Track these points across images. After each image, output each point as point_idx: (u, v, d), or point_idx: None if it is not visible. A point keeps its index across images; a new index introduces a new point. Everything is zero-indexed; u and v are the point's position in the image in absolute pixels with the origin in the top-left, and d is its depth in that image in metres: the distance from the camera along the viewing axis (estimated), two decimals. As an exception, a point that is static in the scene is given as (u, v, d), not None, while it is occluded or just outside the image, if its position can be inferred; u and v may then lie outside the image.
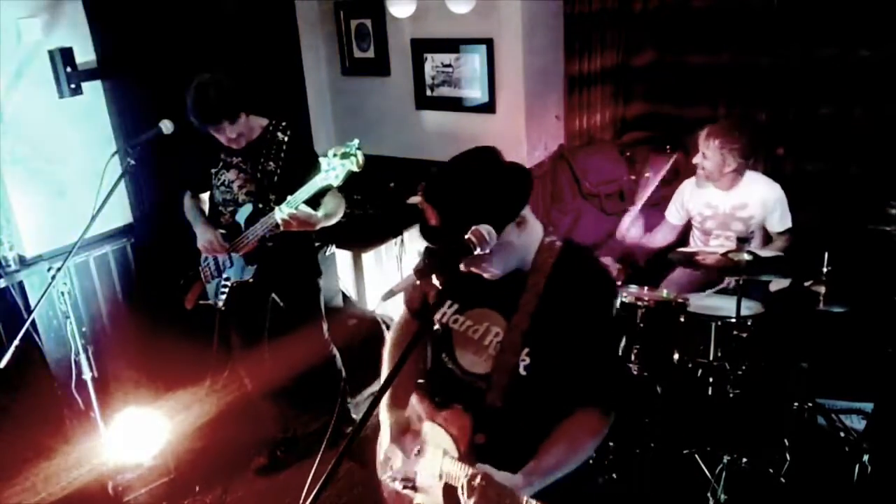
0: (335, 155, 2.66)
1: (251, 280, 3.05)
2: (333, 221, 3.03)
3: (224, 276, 3.11)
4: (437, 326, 1.87)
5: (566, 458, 1.65)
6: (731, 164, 3.26)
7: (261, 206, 2.96)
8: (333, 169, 2.67)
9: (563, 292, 1.68)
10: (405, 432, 1.84)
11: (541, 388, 1.69)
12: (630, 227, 3.70)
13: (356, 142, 2.68)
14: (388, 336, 2.09)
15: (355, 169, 2.67)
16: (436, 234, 1.64)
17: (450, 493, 1.65)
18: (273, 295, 3.24)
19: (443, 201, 1.64)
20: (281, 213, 2.77)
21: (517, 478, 1.57)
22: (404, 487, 1.79)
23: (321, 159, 2.69)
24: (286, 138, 2.99)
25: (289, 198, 2.77)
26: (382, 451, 1.88)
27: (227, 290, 3.10)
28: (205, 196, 3.22)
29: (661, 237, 3.69)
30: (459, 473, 1.62)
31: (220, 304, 3.12)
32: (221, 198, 3.07)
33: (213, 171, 3.07)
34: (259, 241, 2.97)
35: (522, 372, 1.69)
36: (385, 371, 2.02)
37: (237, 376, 3.45)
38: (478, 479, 1.53)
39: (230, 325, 3.23)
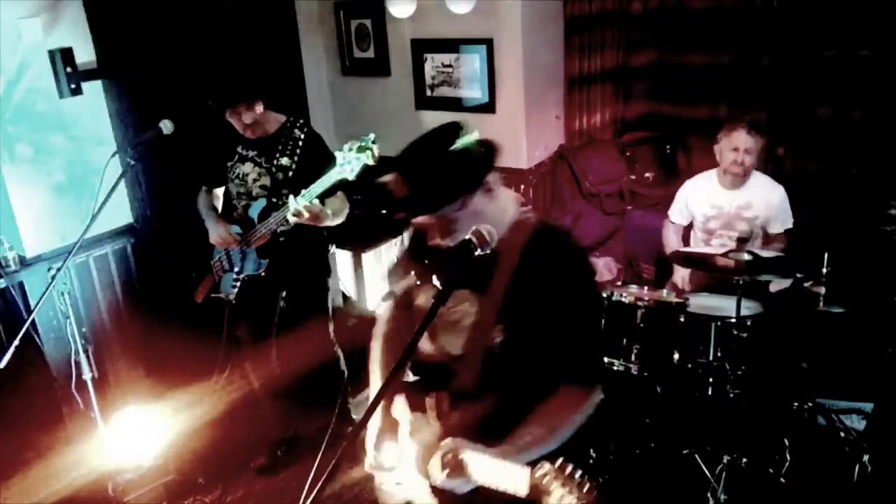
0: (350, 149, 2.69)
1: (263, 274, 3.07)
2: (338, 221, 3.05)
3: (236, 269, 3.13)
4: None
5: (544, 434, 1.61)
6: (753, 155, 3.29)
7: (274, 200, 2.99)
8: (349, 163, 2.69)
9: (536, 268, 1.68)
10: (392, 430, 1.82)
11: (515, 365, 1.68)
12: (672, 236, 3.69)
13: (372, 135, 2.71)
14: (375, 330, 2.05)
15: (371, 162, 2.69)
16: (406, 205, 1.67)
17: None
18: (283, 291, 3.25)
19: (410, 170, 1.66)
20: (295, 204, 2.79)
21: (489, 453, 1.54)
22: (396, 483, 1.79)
23: (336, 153, 2.72)
24: (302, 135, 3.04)
25: (303, 191, 2.79)
26: (371, 455, 1.85)
27: (238, 283, 3.12)
28: (219, 192, 3.23)
29: (676, 240, 3.68)
30: (437, 453, 1.60)
31: (232, 297, 3.13)
32: (235, 191, 3.11)
33: (228, 164, 3.11)
34: (272, 235, 2.99)
35: (497, 349, 1.69)
36: (374, 367, 1.98)
37: (240, 373, 3.45)
38: (448, 455, 1.54)
39: (239, 319, 3.25)
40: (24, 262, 3.38)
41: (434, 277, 1.62)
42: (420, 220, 1.69)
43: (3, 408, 3.35)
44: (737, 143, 3.28)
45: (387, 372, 1.92)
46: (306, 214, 2.79)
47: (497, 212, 1.71)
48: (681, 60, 4.00)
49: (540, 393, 1.66)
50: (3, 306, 3.39)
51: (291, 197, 2.80)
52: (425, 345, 1.83)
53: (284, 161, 3.00)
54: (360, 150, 2.67)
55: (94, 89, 3.59)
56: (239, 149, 3.08)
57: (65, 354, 3.16)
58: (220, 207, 3.22)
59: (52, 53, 3.35)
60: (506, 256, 1.70)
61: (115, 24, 3.59)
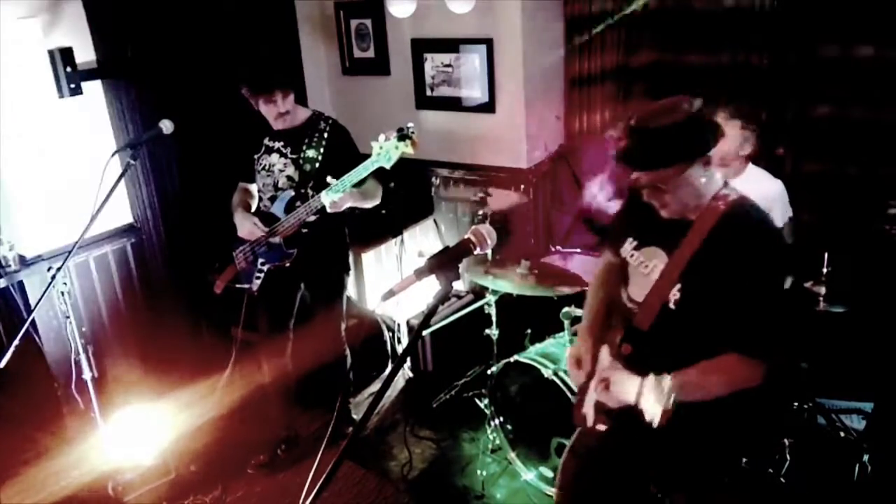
0: (388, 138, 2.72)
1: (288, 265, 3.10)
2: (371, 205, 3.12)
3: (261, 261, 3.15)
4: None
5: (695, 384, 1.76)
6: (747, 149, 3.24)
7: (303, 191, 3.03)
8: (387, 152, 2.73)
9: (725, 239, 1.81)
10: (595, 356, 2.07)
11: (686, 323, 1.84)
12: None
13: (412, 124, 2.74)
14: (593, 278, 2.30)
15: (411, 151, 2.74)
16: (634, 159, 1.81)
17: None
18: (302, 284, 3.28)
19: (645, 132, 1.78)
20: (329, 197, 2.82)
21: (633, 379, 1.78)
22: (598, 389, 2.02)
23: (372, 143, 2.75)
24: (328, 128, 3.08)
25: (337, 181, 2.81)
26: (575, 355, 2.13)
27: (262, 275, 3.14)
28: (254, 189, 3.26)
29: None
30: (601, 374, 1.91)
31: (255, 288, 3.16)
32: (262, 182, 3.14)
33: (255, 156, 3.13)
34: (299, 226, 3.03)
35: (672, 306, 1.86)
36: (588, 301, 2.26)
37: (248, 369, 3.46)
38: (608, 373, 1.86)
39: (260, 309, 3.26)
40: (24, 262, 3.38)
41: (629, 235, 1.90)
42: (637, 175, 1.82)
43: (3, 408, 3.36)
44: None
45: (591, 315, 2.20)
46: (340, 205, 2.86)
47: (705, 184, 1.84)
48: (681, 60, 3.99)
49: (703, 353, 1.80)
50: (3, 306, 3.39)
51: (325, 191, 2.83)
52: (621, 289, 2.06)
53: (311, 153, 3.04)
54: (400, 138, 2.71)
55: (94, 89, 3.59)
56: (266, 140, 3.11)
57: (65, 354, 3.16)
58: (254, 205, 3.24)
59: (52, 53, 3.35)
60: (700, 224, 1.84)
61: (115, 24, 3.59)
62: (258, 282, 3.16)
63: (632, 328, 1.95)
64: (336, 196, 2.82)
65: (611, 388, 1.84)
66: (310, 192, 3.01)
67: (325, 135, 3.06)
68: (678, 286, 1.84)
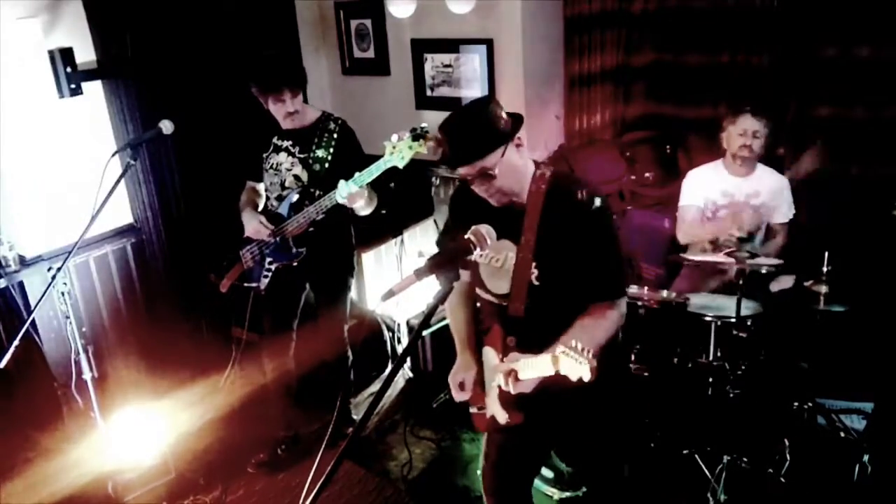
0: (401, 138, 2.72)
1: (296, 264, 3.11)
2: (368, 211, 3.10)
3: (268, 259, 3.15)
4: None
5: (586, 339, 1.82)
6: (757, 148, 3.30)
7: (311, 190, 3.03)
8: (400, 151, 2.72)
9: (558, 210, 2.00)
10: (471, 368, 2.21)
11: (552, 293, 2.02)
12: (689, 217, 3.58)
13: (425, 124, 2.73)
14: (447, 304, 2.36)
15: (424, 150, 2.73)
16: (452, 159, 1.97)
17: (502, 395, 2.03)
18: (307, 284, 3.29)
19: (454, 128, 1.97)
20: (347, 189, 2.82)
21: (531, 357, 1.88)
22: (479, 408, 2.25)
23: (385, 143, 2.75)
24: (337, 128, 3.08)
25: (355, 175, 2.82)
26: (457, 378, 2.20)
27: (270, 273, 3.15)
28: (262, 189, 3.25)
29: (696, 218, 3.56)
30: (499, 371, 1.98)
31: (263, 287, 3.17)
32: (269, 181, 3.14)
33: (264, 154, 3.13)
34: (308, 225, 3.03)
35: (535, 282, 2.02)
36: (453, 325, 2.33)
37: (249, 368, 3.46)
38: (506, 369, 1.92)
39: (264, 309, 3.27)
40: (24, 262, 3.38)
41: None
42: (464, 171, 1.96)
43: (3, 408, 3.35)
44: (744, 126, 3.30)
45: (462, 335, 2.28)
46: (363, 196, 2.87)
47: (524, 165, 2.04)
48: (681, 60, 3.99)
49: (574, 312, 2.00)
50: (3, 306, 3.39)
51: (342, 182, 2.83)
52: (480, 292, 2.19)
53: (320, 153, 3.04)
54: (414, 138, 2.71)
55: (94, 89, 3.59)
56: (275, 139, 3.11)
57: (65, 354, 3.16)
58: (261, 204, 3.24)
59: (52, 53, 3.35)
60: (532, 205, 2.02)
61: (115, 24, 3.59)
62: (266, 280, 3.16)
63: (509, 319, 2.08)
64: (353, 188, 2.81)
65: (521, 376, 1.91)
66: (317, 191, 3.01)
67: (336, 135, 3.07)
68: (534, 264, 2.01)
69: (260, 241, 3.14)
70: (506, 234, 2.03)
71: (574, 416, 2.16)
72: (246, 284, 3.23)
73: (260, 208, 3.21)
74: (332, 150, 3.05)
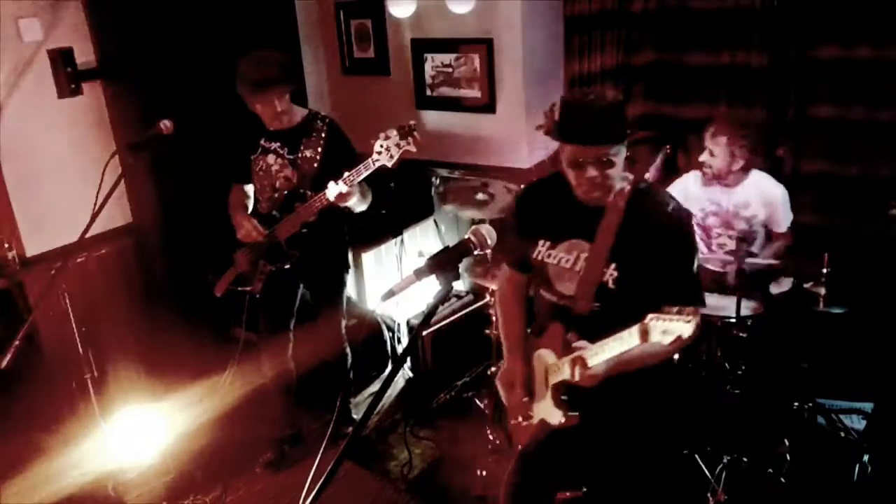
0: (388, 136, 2.71)
1: (289, 267, 3.09)
2: (364, 207, 3.08)
3: (262, 262, 3.14)
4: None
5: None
6: (739, 162, 3.23)
7: (301, 191, 3.01)
8: (388, 150, 2.71)
9: (645, 216, 1.99)
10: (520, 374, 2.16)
11: (627, 295, 1.96)
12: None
13: (413, 121, 2.73)
14: (497, 294, 2.39)
15: (413, 149, 2.72)
16: (591, 136, 1.93)
17: (556, 390, 2.00)
18: (302, 284, 3.28)
19: (595, 109, 1.93)
20: (338, 188, 2.80)
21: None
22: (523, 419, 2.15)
23: (374, 142, 2.74)
24: (326, 127, 3.05)
25: (343, 175, 2.81)
26: (507, 377, 2.18)
27: (264, 276, 3.14)
28: (250, 190, 3.24)
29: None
30: (562, 364, 1.96)
31: (257, 291, 3.16)
32: (259, 183, 3.12)
33: (252, 157, 3.11)
34: (300, 226, 3.02)
35: (611, 285, 1.97)
36: (503, 324, 2.31)
37: (249, 369, 3.46)
38: (578, 352, 1.88)
39: (260, 310, 3.26)
40: (24, 262, 3.38)
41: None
42: (593, 151, 1.92)
43: (4, 408, 3.35)
44: (707, 145, 3.28)
45: (512, 336, 2.24)
46: (355, 195, 2.86)
47: (625, 165, 2.02)
48: (681, 60, 3.99)
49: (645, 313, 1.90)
50: (3, 306, 3.39)
51: (332, 184, 2.82)
52: (544, 293, 2.14)
53: (308, 153, 3.02)
54: (402, 136, 2.70)
55: (94, 89, 3.59)
56: (262, 141, 3.09)
57: (65, 354, 3.16)
58: (251, 206, 3.23)
59: (52, 53, 3.35)
60: (613, 207, 2.00)
61: (115, 24, 3.59)
62: (260, 284, 3.15)
63: (573, 317, 2.04)
64: (343, 189, 2.80)
65: (590, 363, 1.87)
66: (308, 192, 3.00)
67: (324, 134, 3.04)
68: (613, 266, 1.97)
69: (252, 244, 3.12)
70: (579, 233, 2.04)
71: (632, 420, 2.12)
72: (240, 289, 3.21)
73: (249, 210, 3.19)
74: (320, 149, 3.02)
